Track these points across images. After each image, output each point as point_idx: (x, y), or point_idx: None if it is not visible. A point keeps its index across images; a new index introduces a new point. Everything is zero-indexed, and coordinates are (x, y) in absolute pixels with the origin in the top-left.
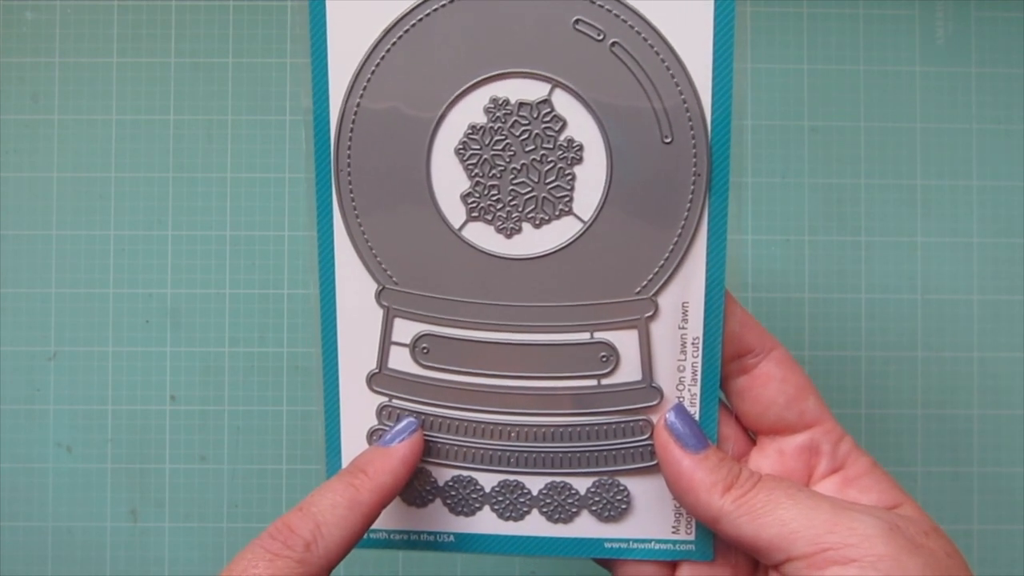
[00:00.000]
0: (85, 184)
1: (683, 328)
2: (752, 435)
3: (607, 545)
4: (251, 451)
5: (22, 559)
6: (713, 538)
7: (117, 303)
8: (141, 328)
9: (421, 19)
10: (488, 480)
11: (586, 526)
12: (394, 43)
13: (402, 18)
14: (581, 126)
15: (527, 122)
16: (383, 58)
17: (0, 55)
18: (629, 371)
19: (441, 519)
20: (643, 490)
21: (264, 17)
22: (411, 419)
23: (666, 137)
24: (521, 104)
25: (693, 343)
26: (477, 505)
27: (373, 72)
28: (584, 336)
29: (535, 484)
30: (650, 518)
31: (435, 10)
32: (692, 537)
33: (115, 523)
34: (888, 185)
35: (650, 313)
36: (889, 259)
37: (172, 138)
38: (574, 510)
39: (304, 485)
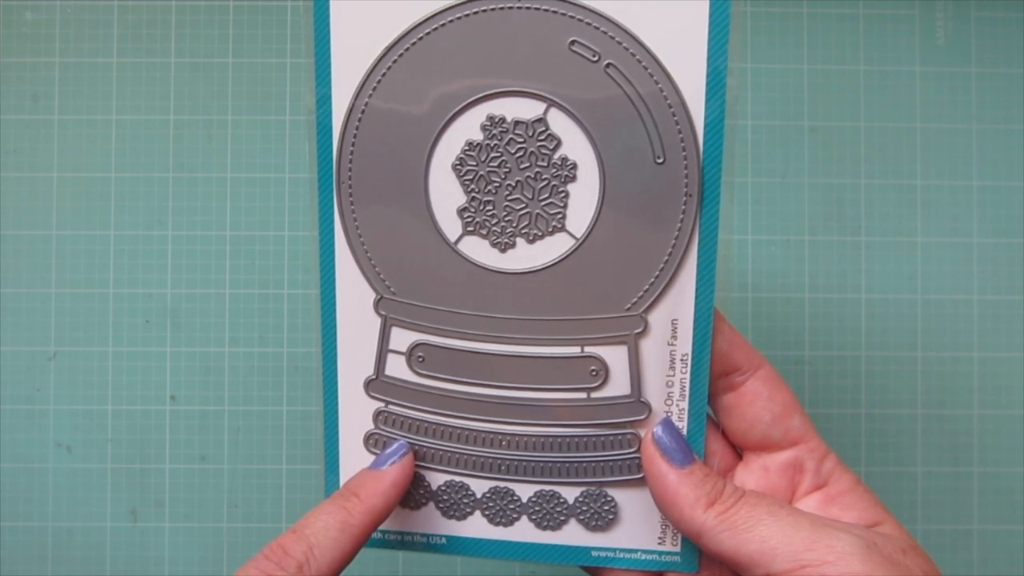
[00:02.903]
0: (85, 184)
1: (672, 345)
2: (739, 451)
3: (594, 554)
4: (251, 451)
5: (22, 559)
6: (698, 550)
7: (117, 303)
8: (141, 328)
9: (423, 37)
10: (479, 486)
11: (574, 534)
12: (395, 60)
13: (404, 35)
14: (575, 145)
15: (522, 140)
16: (384, 75)
17: (0, 55)
18: (618, 385)
19: (434, 522)
20: (630, 501)
21: (264, 17)
22: (401, 442)
23: (658, 157)
24: (517, 122)
25: (682, 359)
26: (468, 510)
27: (374, 88)
28: (575, 350)
29: (525, 491)
30: (636, 529)
31: (436, 29)
32: (677, 549)
33: (115, 523)
34: (888, 185)
35: (640, 329)
36: (889, 259)
37: (172, 138)
38: (562, 518)
39: (304, 485)
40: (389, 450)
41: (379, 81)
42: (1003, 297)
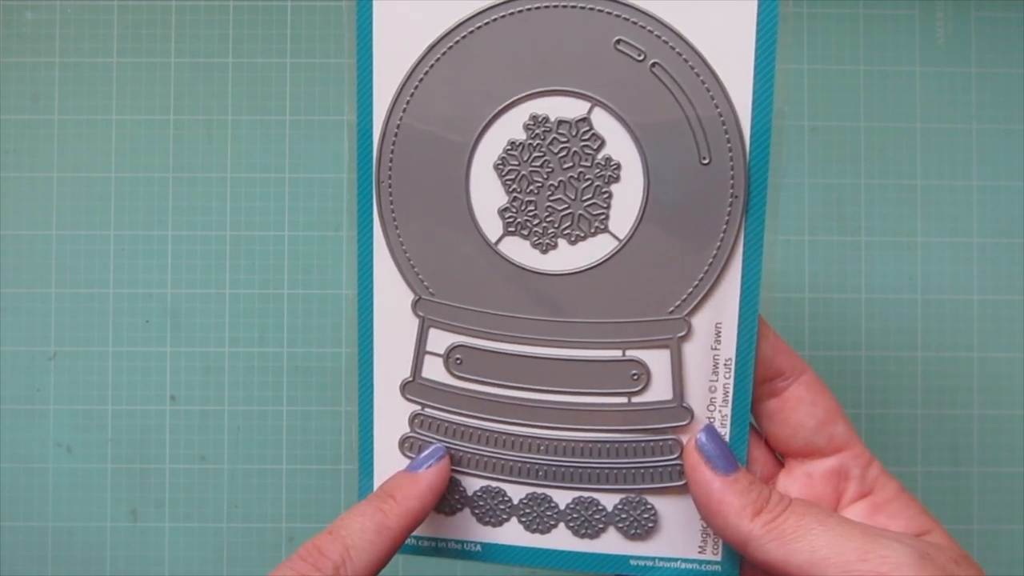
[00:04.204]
0: (85, 184)
1: (716, 349)
2: (780, 458)
3: (632, 563)
4: (251, 451)
5: (22, 559)
6: (740, 559)
7: (117, 303)
8: (141, 328)
9: (465, 36)
10: (516, 492)
11: (612, 543)
12: (437, 59)
13: (446, 35)
14: (619, 145)
15: (566, 139)
16: (426, 74)
17: (0, 55)
18: (660, 390)
19: (469, 528)
20: (670, 509)
21: (264, 17)
22: (438, 445)
23: (704, 158)
24: (560, 122)
25: (725, 364)
26: (505, 516)
27: (416, 87)
28: (616, 353)
29: (562, 498)
30: (676, 537)
31: (479, 28)
32: (718, 558)
33: (115, 523)
34: (888, 185)
35: (683, 333)
36: (889, 259)
37: (172, 138)
38: (600, 526)
39: (304, 485)
40: (425, 453)
41: (421, 80)
42: (1003, 297)
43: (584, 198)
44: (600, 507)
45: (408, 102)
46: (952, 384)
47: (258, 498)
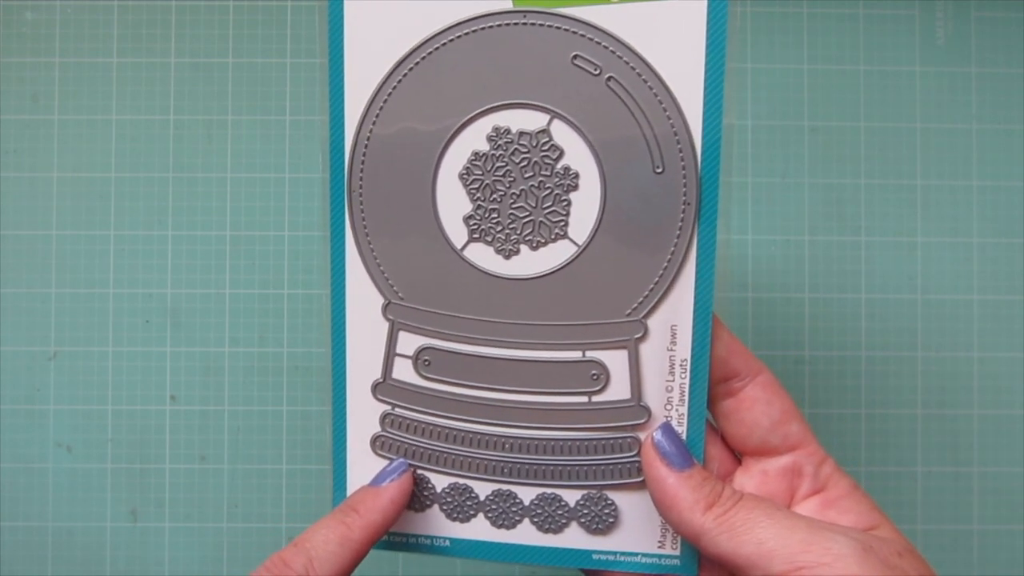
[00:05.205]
0: (85, 184)
1: (671, 350)
2: (738, 456)
3: (595, 557)
4: (251, 451)
5: (22, 559)
6: (698, 554)
7: (117, 303)
8: (141, 328)
9: (430, 53)
10: (483, 489)
11: (575, 537)
12: (405, 75)
13: (412, 52)
14: (577, 155)
15: (527, 150)
16: (395, 89)
17: (0, 55)
18: (619, 389)
19: (438, 524)
20: (630, 505)
21: (264, 17)
22: (400, 460)
23: (658, 167)
24: (521, 133)
25: (681, 365)
26: (472, 512)
27: (385, 102)
28: (576, 354)
29: (527, 494)
30: (637, 532)
31: (444, 45)
32: (677, 552)
33: (115, 523)
34: (888, 185)
35: (640, 334)
36: (889, 259)
37: (172, 138)
38: (563, 521)
39: (304, 485)
40: (389, 468)
41: (390, 94)
42: (1003, 297)
43: (544, 206)
44: (563, 503)
45: (378, 115)
46: (952, 384)
47: (258, 498)
